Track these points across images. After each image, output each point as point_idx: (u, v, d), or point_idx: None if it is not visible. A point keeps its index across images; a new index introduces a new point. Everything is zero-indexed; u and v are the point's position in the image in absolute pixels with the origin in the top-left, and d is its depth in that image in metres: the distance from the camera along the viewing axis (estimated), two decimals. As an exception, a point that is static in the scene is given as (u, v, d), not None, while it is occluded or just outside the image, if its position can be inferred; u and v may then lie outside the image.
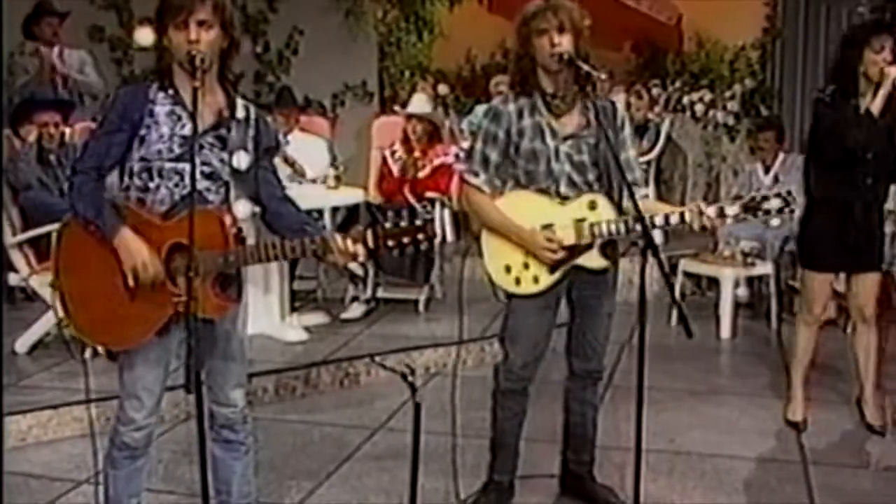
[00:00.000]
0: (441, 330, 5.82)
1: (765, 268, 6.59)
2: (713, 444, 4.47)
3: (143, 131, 2.85)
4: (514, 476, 3.77)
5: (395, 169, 6.38)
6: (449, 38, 9.46)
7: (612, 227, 3.30)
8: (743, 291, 7.03)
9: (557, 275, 3.39)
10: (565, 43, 3.26)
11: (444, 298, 6.47)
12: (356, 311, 6.19)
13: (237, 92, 3.01)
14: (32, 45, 6.96)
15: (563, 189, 3.37)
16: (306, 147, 6.42)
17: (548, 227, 3.34)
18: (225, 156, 2.91)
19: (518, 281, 3.41)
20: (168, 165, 2.87)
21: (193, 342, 2.54)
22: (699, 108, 8.73)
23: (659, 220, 3.25)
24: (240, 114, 2.95)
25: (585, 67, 3.23)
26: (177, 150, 2.86)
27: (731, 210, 3.23)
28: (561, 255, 3.33)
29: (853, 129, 4.07)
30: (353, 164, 7.76)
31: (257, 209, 3.08)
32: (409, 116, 6.39)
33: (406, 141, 6.40)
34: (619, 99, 8.54)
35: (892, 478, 4.09)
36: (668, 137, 8.71)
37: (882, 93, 4.03)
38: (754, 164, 7.14)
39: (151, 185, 2.88)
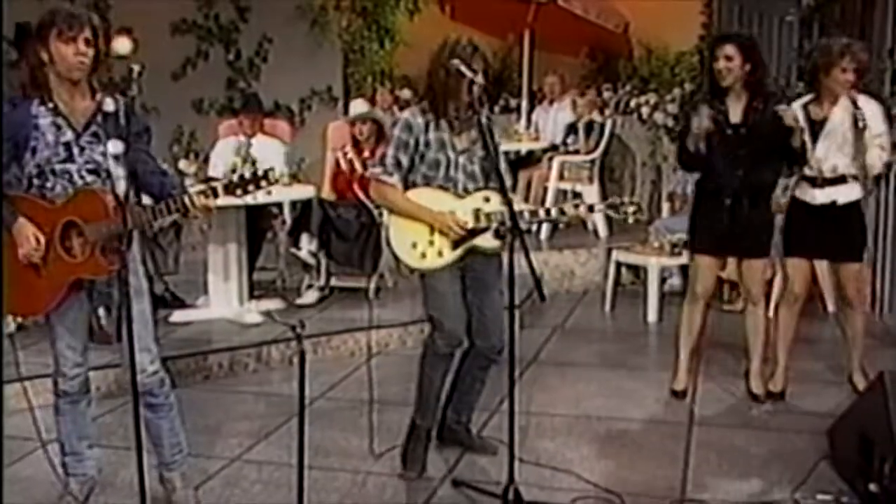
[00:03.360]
0: (386, 314, 6.37)
1: (692, 258, 7.13)
2: (612, 408, 5.03)
3: (32, 143, 3.43)
4: (433, 425, 4.33)
5: (346, 168, 6.94)
6: (412, 46, 10.01)
7: (505, 214, 3.87)
8: (676, 280, 7.58)
9: (459, 251, 3.99)
10: (481, 79, 3.84)
11: (395, 287, 7.04)
12: (310, 297, 6.75)
13: (100, 91, 3.52)
14: (18, 57, 7.54)
15: (460, 192, 4.01)
16: (266, 149, 6.94)
17: (451, 213, 3.97)
18: (102, 148, 3.45)
19: (424, 255, 4.00)
20: (59, 167, 3.45)
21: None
22: (645, 110, 9.25)
23: (542, 214, 4.00)
24: (110, 108, 3.46)
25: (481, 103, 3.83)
26: (62, 154, 3.46)
27: (599, 207, 4.08)
28: (464, 232, 3.95)
29: (711, 134, 4.68)
30: (319, 164, 8.33)
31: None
32: (353, 121, 6.96)
33: (356, 143, 6.95)
34: (566, 102, 9.13)
35: (761, 435, 4.65)
36: (618, 138, 9.27)
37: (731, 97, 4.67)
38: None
39: (48, 184, 3.47)
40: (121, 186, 3.37)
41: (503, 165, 4.10)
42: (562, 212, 4.03)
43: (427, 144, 3.99)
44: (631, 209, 3.99)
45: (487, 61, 3.96)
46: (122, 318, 3.29)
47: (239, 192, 3.33)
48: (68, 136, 3.46)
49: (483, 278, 4.14)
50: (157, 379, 3.69)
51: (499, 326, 4.20)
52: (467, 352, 4.29)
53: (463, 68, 3.81)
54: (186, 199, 3.35)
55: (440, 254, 4.01)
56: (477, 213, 3.97)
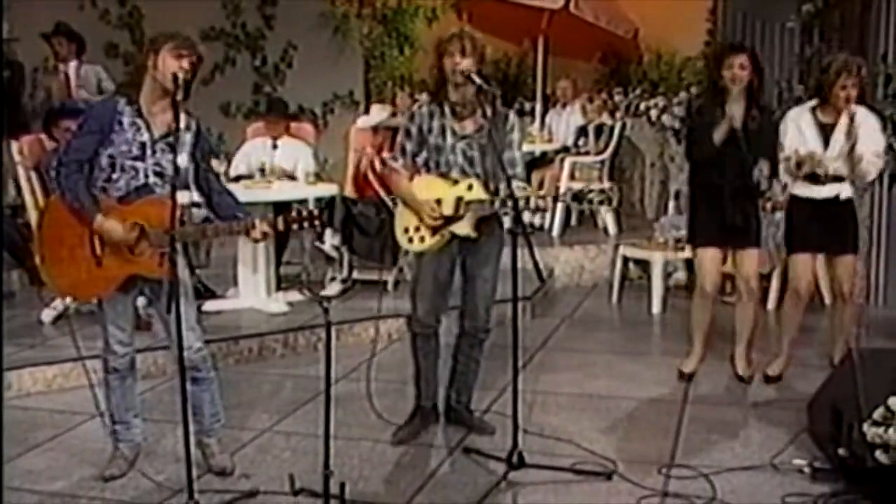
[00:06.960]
0: (404, 305, 6.72)
1: (695, 253, 7.50)
2: (614, 389, 5.42)
3: (112, 135, 3.85)
4: (435, 402, 4.76)
5: (367, 168, 7.36)
6: (431, 52, 10.41)
7: (479, 204, 4.31)
8: (681, 274, 7.96)
9: (438, 237, 4.41)
10: (465, 64, 4.25)
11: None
12: (333, 289, 7.17)
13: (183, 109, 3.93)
14: (54, 62, 8.01)
15: (456, 176, 4.39)
16: (292, 150, 7.37)
17: (439, 200, 4.37)
18: (171, 157, 3.87)
19: (410, 240, 4.47)
20: (128, 162, 3.87)
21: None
22: (654, 112, 9.62)
23: (521, 204, 4.23)
24: (183, 124, 3.90)
25: (478, 81, 4.22)
26: (135, 152, 3.88)
27: (565, 198, 4.57)
28: (439, 221, 4.36)
29: (715, 131, 5.04)
30: (341, 164, 8.75)
31: (196, 198, 4.08)
32: (376, 128, 7.38)
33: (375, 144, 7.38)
34: (577, 105, 9.52)
35: (749, 411, 5.04)
36: (628, 140, 9.66)
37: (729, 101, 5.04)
38: (694, 162, 8.07)
39: (114, 176, 3.88)
40: (184, 197, 3.85)
41: (515, 154, 4.43)
42: (526, 200, 4.31)
43: (430, 131, 4.41)
44: (597, 198, 4.39)
45: (476, 47, 4.27)
46: (169, 303, 3.63)
47: (295, 226, 3.84)
48: (144, 137, 3.88)
49: (474, 266, 4.54)
50: (201, 356, 4.12)
51: (484, 308, 4.61)
52: (459, 334, 4.70)
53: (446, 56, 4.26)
54: (251, 225, 3.84)
55: (422, 239, 4.45)
56: (458, 202, 4.35)
